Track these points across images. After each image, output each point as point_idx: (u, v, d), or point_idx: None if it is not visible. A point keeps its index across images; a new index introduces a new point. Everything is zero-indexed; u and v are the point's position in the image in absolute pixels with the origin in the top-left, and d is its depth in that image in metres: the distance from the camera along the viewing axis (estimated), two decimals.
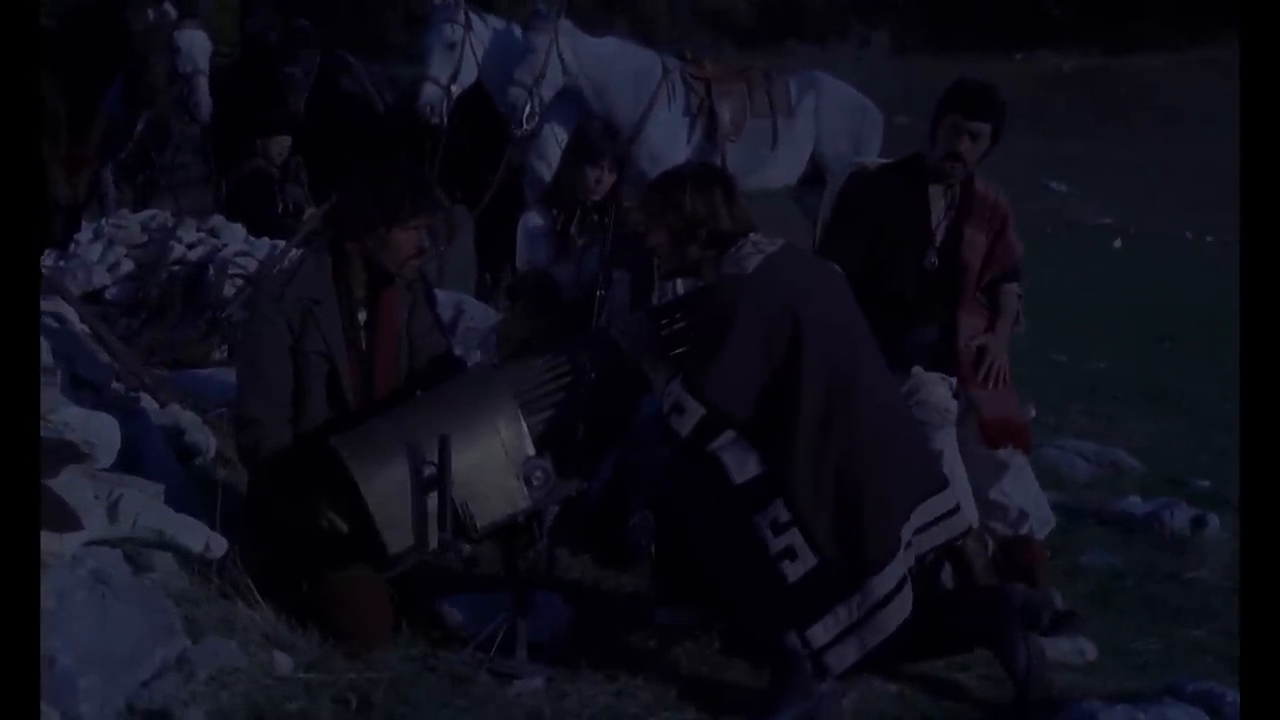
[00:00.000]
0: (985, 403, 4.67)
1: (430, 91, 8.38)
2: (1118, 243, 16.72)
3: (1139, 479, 6.63)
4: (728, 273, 3.88)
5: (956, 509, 3.98)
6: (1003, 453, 4.63)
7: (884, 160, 5.30)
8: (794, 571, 3.68)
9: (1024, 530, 4.62)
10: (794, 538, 3.67)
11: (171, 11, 8.33)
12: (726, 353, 3.73)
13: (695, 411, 3.72)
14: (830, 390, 3.74)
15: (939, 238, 4.73)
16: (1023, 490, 4.65)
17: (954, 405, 4.63)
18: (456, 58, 8.42)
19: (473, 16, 8.56)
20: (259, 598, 3.79)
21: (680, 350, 3.95)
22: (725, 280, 3.87)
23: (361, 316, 4.13)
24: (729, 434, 3.73)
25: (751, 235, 3.96)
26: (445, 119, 8.48)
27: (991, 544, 4.51)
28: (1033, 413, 6.76)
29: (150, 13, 7.96)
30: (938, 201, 4.74)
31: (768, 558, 3.69)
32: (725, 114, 8.87)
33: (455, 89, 8.48)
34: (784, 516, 3.68)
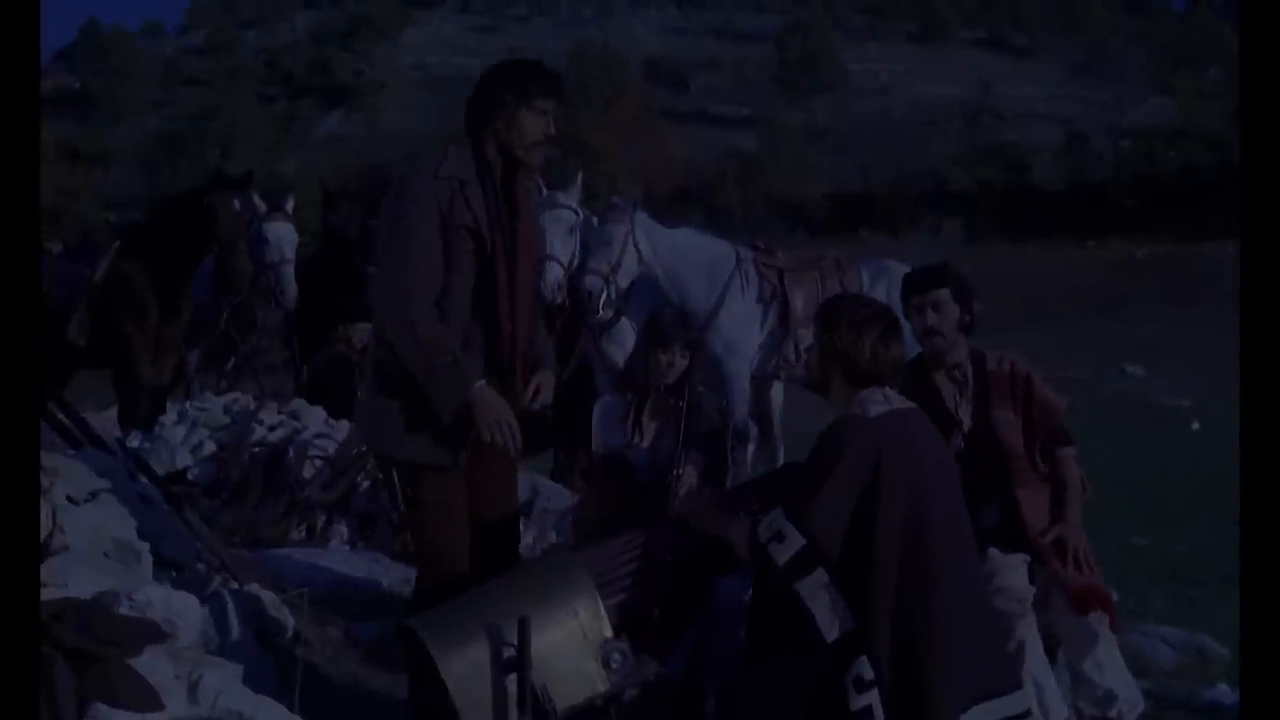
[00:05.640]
0: (1069, 573, 4.64)
1: (591, 281, 8.42)
2: (1196, 424, 16.51)
3: (1226, 666, 6.46)
4: (852, 413, 3.95)
5: (1027, 714, 3.91)
6: (1094, 618, 4.57)
7: None
8: None
9: (1112, 713, 4.53)
10: (873, 698, 3.65)
11: (260, 205, 8.63)
12: (829, 488, 3.77)
13: (796, 541, 3.74)
14: (912, 561, 3.73)
15: (965, 422, 4.76)
16: (1112, 667, 4.56)
17: (1031, 590, 4.57)
18: (616, 252, 8.50)
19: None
20: None
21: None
22: (846, 419, 3.95)
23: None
24: (821, 575, 3.73)
25: (887, 387, 4.02)
26: (601, 309, 8.48)
27: None
28: (1115, 597, 6.64)
29: (236, 203, 8.25)
30: (947, 387, 4.83)
31: (847, 717, 3.65)
32: (798, 302, 8.92)
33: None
34: (868, 674, 3.66)
